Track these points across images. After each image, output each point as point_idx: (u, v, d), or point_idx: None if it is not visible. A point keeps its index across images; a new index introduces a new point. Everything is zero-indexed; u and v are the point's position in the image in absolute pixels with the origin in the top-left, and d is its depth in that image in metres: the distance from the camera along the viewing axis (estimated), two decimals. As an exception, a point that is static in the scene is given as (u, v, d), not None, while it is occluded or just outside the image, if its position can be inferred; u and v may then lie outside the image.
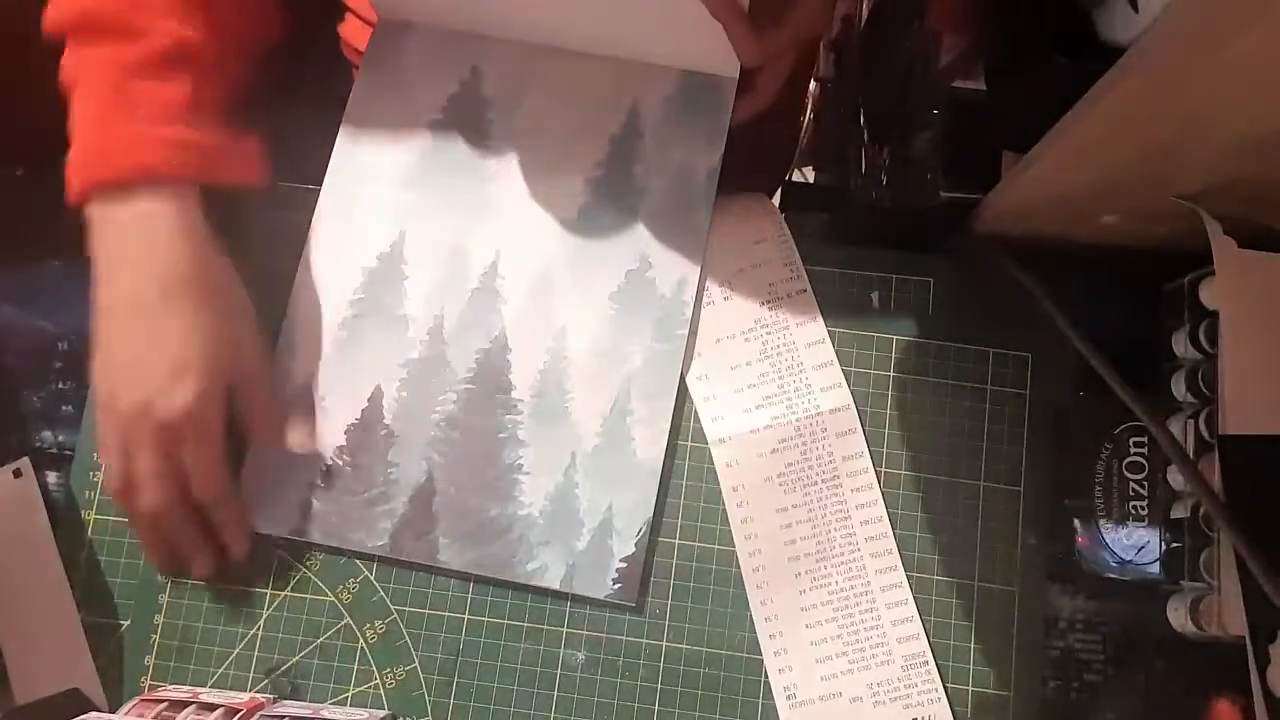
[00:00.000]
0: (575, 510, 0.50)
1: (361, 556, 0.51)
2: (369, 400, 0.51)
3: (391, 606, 0.50)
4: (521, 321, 0.52)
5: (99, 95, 0.47)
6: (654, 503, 0.50)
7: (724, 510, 0.51)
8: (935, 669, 0.48)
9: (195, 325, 0.46)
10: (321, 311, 0.52)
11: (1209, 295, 0.46)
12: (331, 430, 0.51)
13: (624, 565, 0.50)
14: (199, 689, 0.49)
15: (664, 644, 0.50)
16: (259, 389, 0.50)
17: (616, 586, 0.50)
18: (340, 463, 0.51)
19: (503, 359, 0.52)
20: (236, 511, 0.50)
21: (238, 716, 0.45)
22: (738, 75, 0.54)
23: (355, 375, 0.52)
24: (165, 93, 0.47)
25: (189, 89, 0.48)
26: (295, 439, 0.50)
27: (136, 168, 0.46)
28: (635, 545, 0.50)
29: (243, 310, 0.49)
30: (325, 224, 0.53)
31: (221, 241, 0.49)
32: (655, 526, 0.50)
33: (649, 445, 0.51)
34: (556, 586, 0.50)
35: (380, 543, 0.50)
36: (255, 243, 0.53)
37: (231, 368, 0.48)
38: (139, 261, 0.46)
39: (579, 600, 0.50)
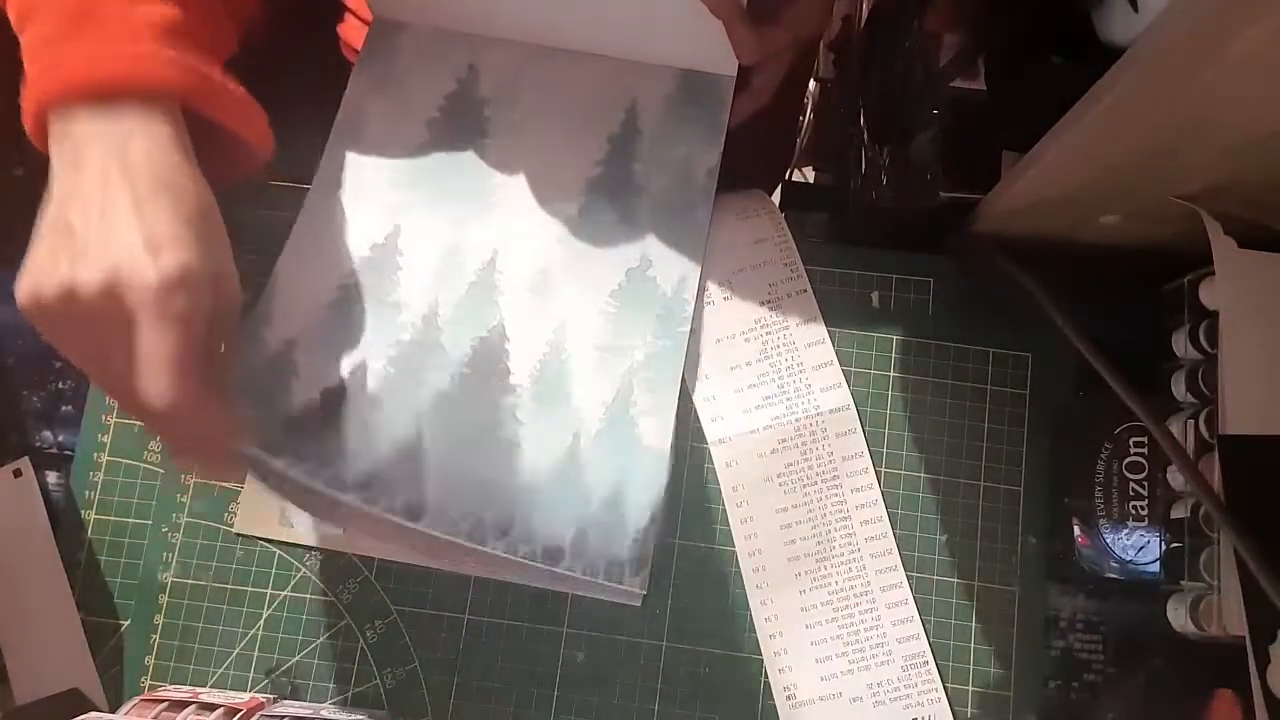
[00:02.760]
0: (581, 484, 0.49)
1: (361, 556, 0.51)
2: (350, 373, 0.50)
3: (391, 606, 0.50)
4: (520, 318, 0.52)
5: (58, 18, 0.39)
6: (663, 487, 0.50)
7: (724, 510, 0.51)
8: (935, 669, 0.48)
9: (182, 215, 0.38)
10: (304, 290, 0.51)
11: (1209, 295, 0.46)
12: (305, 393, 0.50)
13: (632, 549, 0.49)
14: (199, 689, 0.49)
15: (664, 644, 0.50)
16: (225, 334, 0.42)
17: (633, 554, 0.48)
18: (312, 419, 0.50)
19: (500, 347, 0.51)
20: (211, 427, 0.40)
21: (238, 716, 0.45)
22: (735, 74, 0.54)
23: (337, 348, 0.50)
24: (142, 11, 0.40)
25: (169, 13, 0.41)
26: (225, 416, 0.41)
27: (112, 72, 0.39)
28: (642, 531, 0.49)
29: (226, 240, 0.42)
30: (314, 212, 0.53)
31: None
32: (665, 514, 0.49)
33: (654, 434, 0.50)
34: (559, 569, 0.48)
35: (355, 496, 0.48)
36: (251, 243, 0.53)
37: (215, 277, 0.40)
38: (110, 162, 0.38)
39: (579, 599, 0.50)
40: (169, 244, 0.37)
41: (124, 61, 0.39)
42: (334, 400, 0.50)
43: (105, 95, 0.39)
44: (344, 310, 0.52)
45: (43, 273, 0.38)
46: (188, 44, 0.42)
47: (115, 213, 0.38)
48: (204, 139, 0.43)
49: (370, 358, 0.51)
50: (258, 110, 0.45)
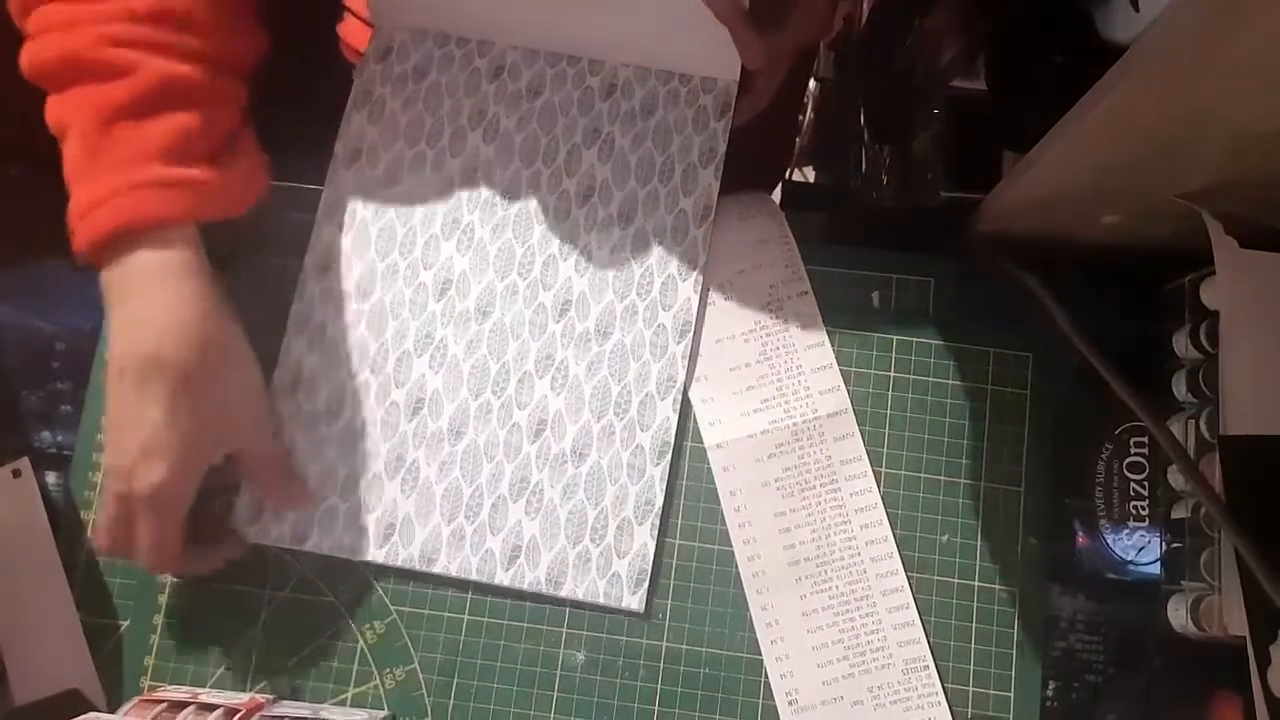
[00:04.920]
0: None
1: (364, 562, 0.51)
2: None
3: (391, 607, 0.50)
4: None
5: (84, 143, 0.45)
6: (661, 506, 0.50)
7: (723, 511, 0.51)
8: (935, 672, 0.48)
9: (172, 409, 0.44)
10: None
11: (1209, 295, 0.46)
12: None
13: (632, 566, 0.49)
14: (199, 689, 0.49)
15: (664, 644, 0.50)
16: (263, 458, 0.49)
17: (632, 573, 0.49)
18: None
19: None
20: (185, 568, 0.49)
21: (238, 716, 0.45)
22: (738, 78, 0.54)
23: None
24: (152, 133, 0.45)
25: (178, 125, 0.46)
26: (303, 501, 0.50)
27: (126, 218, 0.44)
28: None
29: (240, 379, 0.47)
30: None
31: (222, 292, 0.47)
32: (661, 528, 0.50)
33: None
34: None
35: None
36: (254, 244, 0.53)
37: (222, 443, 0.46)
38: (130, 326, 0.45)
39: (579, 600, 0.50)
40: (159, 450, 0.44)
41: (126, 201, 0.44)
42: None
43: (114, 241, 0.44)
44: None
45: (105, 467, 0.47)
46: (200, 142, 0.46)
47: (127, 409, 0.44)
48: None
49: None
50: (253, 182, 0.50)
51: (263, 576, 0.51)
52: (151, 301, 0.44)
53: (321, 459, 0.51)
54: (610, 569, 0.49)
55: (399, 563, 0.50)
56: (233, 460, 0.48)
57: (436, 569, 0.50)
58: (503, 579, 0.49)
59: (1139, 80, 0.33)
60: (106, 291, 0.45)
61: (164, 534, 0.45)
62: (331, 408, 0.51)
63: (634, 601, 0.49)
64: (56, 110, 0.46)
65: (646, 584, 0.49)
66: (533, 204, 0.53)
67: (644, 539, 0.50)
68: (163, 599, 0.51)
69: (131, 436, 0.44)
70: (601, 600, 0.49)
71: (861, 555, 0.49)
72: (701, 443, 0.51)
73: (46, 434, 0.54)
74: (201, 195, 0.46)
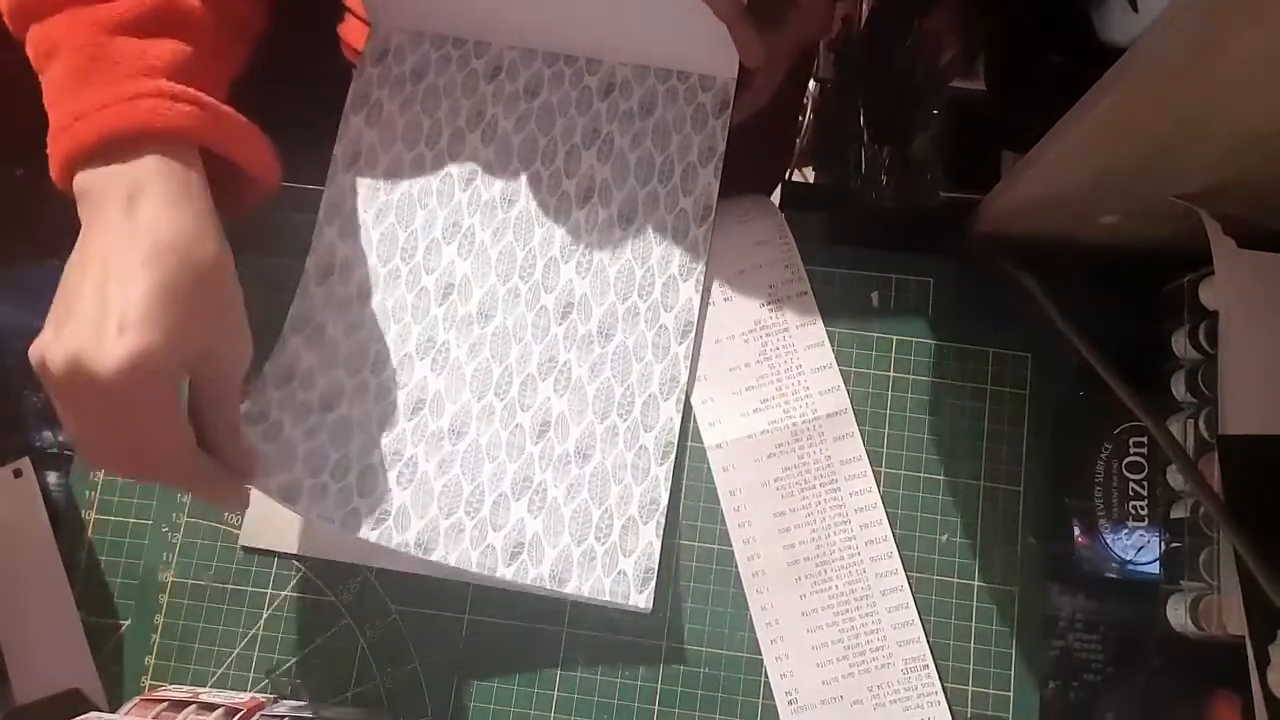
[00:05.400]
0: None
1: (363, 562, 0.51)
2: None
3: (391, 606, 0.50)
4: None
5: (80, 56, 0.40)
6: (666, 503, 0.50)
7: (723, 511, 0.51)
8: (935, 672, 0.48)
9: (165, 289, 0.37)
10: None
11: (1209, 295, 0.46)
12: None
13: (638, 565, 0.49)
14: (199, 689, 0.49)
15: (664, 644, 0.50)
16: (223, 406, 0.42)
17: (638, 571, 0.49)
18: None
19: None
20: (220, 486, 0.43)
21: (238, 716, 0.45)
22: (735, 75, 0.54)
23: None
24: (154, 49, 0.41)
25: (181, 50, 0.42)
26: (250, 470, 0.45)
27: (124, 122, 0.39)
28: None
29: (232, 306, 0.41)
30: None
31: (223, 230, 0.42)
32: (666, 529, 0.50)
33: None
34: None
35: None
36: (252, 243, 0.53)
37: (198, 355, 0.39)
38: (119, 223, 0.38)
39: (584, 598, 0.50)
40: (136, 325, 0.36)
41: (136, 107, 0.40)
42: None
43: (120, 144, 0.39)
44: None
45: (40, 339, 0.38)
46: (200, 79, 0.43)
47: (101, 285, 0.37)
48: (213, 175, 0.43)
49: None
50: (265, 143, 0.46)
51: (263, 576, 0.51)
52: (150, 197, 0.39)
53: (312, 440, 0.50)
54: (616, 567, 0.49)
55: (393, 545, 0.48)
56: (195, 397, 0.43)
57: (435, 557, 0.48)
58: (505, 573, 0.49)
59: (1138, 81, 0.33)
60: (89, 200, 0.40)
61: (164, 434, 0.38)
62: (327, 401, 0.51)
63: (641, 600, 0.49)
64: (42, 35, 0.42)
65: (653, 583, 0.49)
66: (533, 206, 0.53)
67: (649, 538, 0.50)
68: (163, 599, 0.51)
69: (99, 312, 0.37)
70: (608, 598, 0.49)
71: (861, 555, 0.50)
72: (701, 443, 0.51)
73: (48, 434, 0.54)
74: (213, 120, 0.42)
